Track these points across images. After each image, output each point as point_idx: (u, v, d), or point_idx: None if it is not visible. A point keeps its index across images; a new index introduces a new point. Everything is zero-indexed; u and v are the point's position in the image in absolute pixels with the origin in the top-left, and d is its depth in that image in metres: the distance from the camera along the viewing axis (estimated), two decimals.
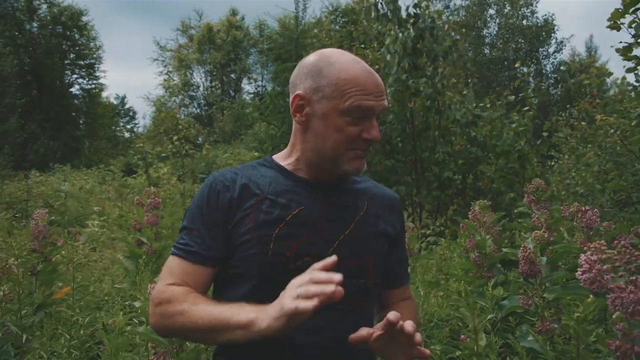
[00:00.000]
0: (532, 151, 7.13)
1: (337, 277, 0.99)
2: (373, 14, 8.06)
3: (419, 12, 7.61)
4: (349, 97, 1.25)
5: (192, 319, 1.17)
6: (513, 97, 8.04)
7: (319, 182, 1.38)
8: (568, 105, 10.97)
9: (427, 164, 7.88)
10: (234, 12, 38.32)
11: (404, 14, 7.70)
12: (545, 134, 7.40)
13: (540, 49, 26.12)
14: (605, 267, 1.13)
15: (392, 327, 1.12)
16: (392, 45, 7.52)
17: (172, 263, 1.33)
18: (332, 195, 1.38)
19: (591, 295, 1.18)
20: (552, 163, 9.52)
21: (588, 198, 5.42)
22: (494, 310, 2.75)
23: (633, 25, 3.34)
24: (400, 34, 7.41)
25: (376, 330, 1.16)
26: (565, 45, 26.58)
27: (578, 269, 1.16)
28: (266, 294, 1.15)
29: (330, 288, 0.97)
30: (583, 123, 7.58)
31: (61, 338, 2.06)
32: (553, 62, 26.65)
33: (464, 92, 8.13)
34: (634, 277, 1.12)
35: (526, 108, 7.41)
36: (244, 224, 1.30)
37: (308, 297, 0.97)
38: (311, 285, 0.99)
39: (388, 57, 7.57)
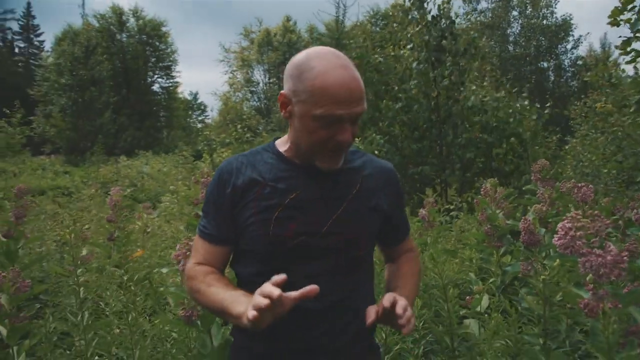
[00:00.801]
0: (530, 134, 6.93)
1: (275, 293, 1.00)
2: (409, 16, 7.93)
3: (441, 14, 7.47)
4: (320, 106, 1.18)
5: (204, 300, 1.27)
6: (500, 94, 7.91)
7: (312, 166, 1.30)
8: (582, 96, 10.60)
9: (451, 147, 7.73)
10: (288, 19, 38.30)
11: (429, 17, 7.59)
12: (534, 117, 7.18)
13: (559, 46, 25.12)
14: (578, 233, 1.06)
15: (387, 309, 1.18)
16: (416, 42, 7.43)
17: (197, 243, 1.38)
18: (325, 177, 1.31)
19: (558, 260, 1.11)
20: (567, 147, 9.24)
21: (594, 178, 5.20)
22: (499, 275, 2.67)
23: (631, 21, 3.15)
24: (424, 34, 7.29)
25: (379, 308, 1.20)
26: (582, 42, 25.38)
27: (554, 235, 1.10)
28: (272, 269, 1.17)
29: (265, 302, 0.99)
30: (578, 108, 7.29)
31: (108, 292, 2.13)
32: (570, 57, 25.57)
33: (484, 84, 7.93)
34: (605, 243, 1.05)
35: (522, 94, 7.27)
36: (249, 208, 1.29)
37: (254, 307, 1.01)
38: (259, 297, 1.02)
39: (407, 53, 7.48)
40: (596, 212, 1.06)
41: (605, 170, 5.40)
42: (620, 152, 4.85)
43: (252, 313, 1.00)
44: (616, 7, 3.19)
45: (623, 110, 4.58)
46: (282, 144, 1.39)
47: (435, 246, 3.78)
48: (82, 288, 1.98)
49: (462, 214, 4.80)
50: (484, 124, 7.22)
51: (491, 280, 2.37)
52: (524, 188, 3.86)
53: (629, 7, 3.10)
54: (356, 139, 8.49)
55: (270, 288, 1.02)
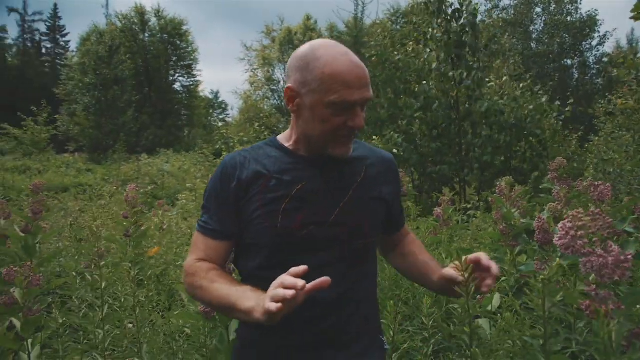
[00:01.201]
0: (549, 133, 6.81)
1: (300, 283, 1.00)
2: (430, 9, 7.84)
3: (462, 9, 7.35)
4: (333, 93, 1.20)
5: (207, 296, 1.24)
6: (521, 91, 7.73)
7: (317, 157, 1.33)
8: (607, 94, 10.36)
9: (470, 147, 7.65)
10: (308, 17, 38.30)
11: (449, 10, 7.49)
12: (555, 114, 7.03)
13: (584, 43, 24.63)
14: (579, 233, 1.04)
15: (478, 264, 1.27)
16: (436, 40, 7.33)
17: (197, 239, 1.36)
18: (331, 168, 1.32)
19: (558, 259, 1.09)
20: (588, 145, 9.07)
21: (617, 177, 5.07)
22: (512, 275, 2.63)
23: None
24: (443, 30, 7.20)
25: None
26: (608, 39, 24.84)
27: (555, 235, 1.08)
28: (279, 261, 1.22)
29: (290, 292, 0.98)
30: (603, 106, 7.12)
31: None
32: (595, 55, 25.05)
33: (504, 79, 7.82)
34: (607, 243, 1.03)
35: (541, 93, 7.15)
36: (255, 201, 1.29)
37: (276, 300, 0.99)
38: (279, 289, 1.01)
39: (427, 53, 7.39)
40: (597, 210, 1.03)
41: (629, 169, 5.27)
42: None
43: (275, 305, 0.99)
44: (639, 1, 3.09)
45: None
46: (285, 139, 1.39)
47: (450, 244, 3.74)
48: (104, 282, 2.02)
49: (479, 213, 4.74)
50: (501, 124, 7.11)
51: (503, 279, 2.33)
52: (540, 187, 3.80)
53: None
54: (374, 137, 8.45)
55: (293, 279, 1.01)
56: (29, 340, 2.20)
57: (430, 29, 7.65)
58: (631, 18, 3.35)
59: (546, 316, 0.98)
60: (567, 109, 7.96)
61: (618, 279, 1.03)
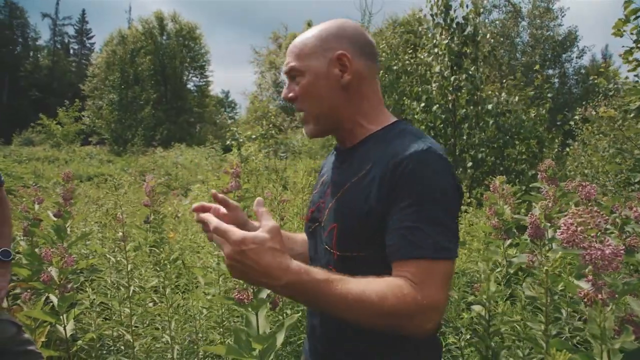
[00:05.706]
0: (548, 137, 6.79)
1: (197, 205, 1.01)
2: (431, 21, 7.84)
3: (465, 22, 7.34)
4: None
5: None
6: (532, 92, 7.68)
7: (342, 150, 1.12)
8: (583, 103, 10.34)
9: (465, 147, 7.65)
10: (309, 24, 38.11)
11: (454, 24, 7.48)
12: (558, 122, 7.04)
13: (564, 55, 24.66)
14: (579, 228, 1.05)
15: None
16: (440, 48, 7.33)
17: None
18: (344, 160, 1.09)
19: (560, 252, 1.11)
20: (569, 149, 9.08)
21: (592, 178, 5.09)
22: (504, 266, 2.65)
23: (634, 32, 3.08)
24: (448, 40, 7.19)
25: None
26: (586, 53, 24.92)
27: (558, 230, 1.09)
28: (308, 247, 1.17)
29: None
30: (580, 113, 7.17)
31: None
32: (574, 67, 25.11)
33: (502, 87, 7.82)
34: (603, 237, 1.04)
35: (543, 101, 7.14)
36: None
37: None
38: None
39: (431, 58, 7.39)
40: (595, 208, 1.05)
41: (605, 171, 5.28)
42: (620, 154, 4.73)
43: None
44: (620, 19, 3.12)
45: (625, 116, 4.50)
46: None
47: None
48: (130, 264, 2.03)
49: (472, 209, 4.75)
50: (500, 125, 7.12)
51: (497, 269, 2.35)
52: (530, 185, 3.82)
53: (632, 17, 3.03)
54: None
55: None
56: (65, 315, 2.22)
57: (434, 38, 7.65)
58: (612, 34, 3.37)
59: (547, 304, 0.99)
60: (569, 121, 7.95)
61: (612, 270, 1.05)
